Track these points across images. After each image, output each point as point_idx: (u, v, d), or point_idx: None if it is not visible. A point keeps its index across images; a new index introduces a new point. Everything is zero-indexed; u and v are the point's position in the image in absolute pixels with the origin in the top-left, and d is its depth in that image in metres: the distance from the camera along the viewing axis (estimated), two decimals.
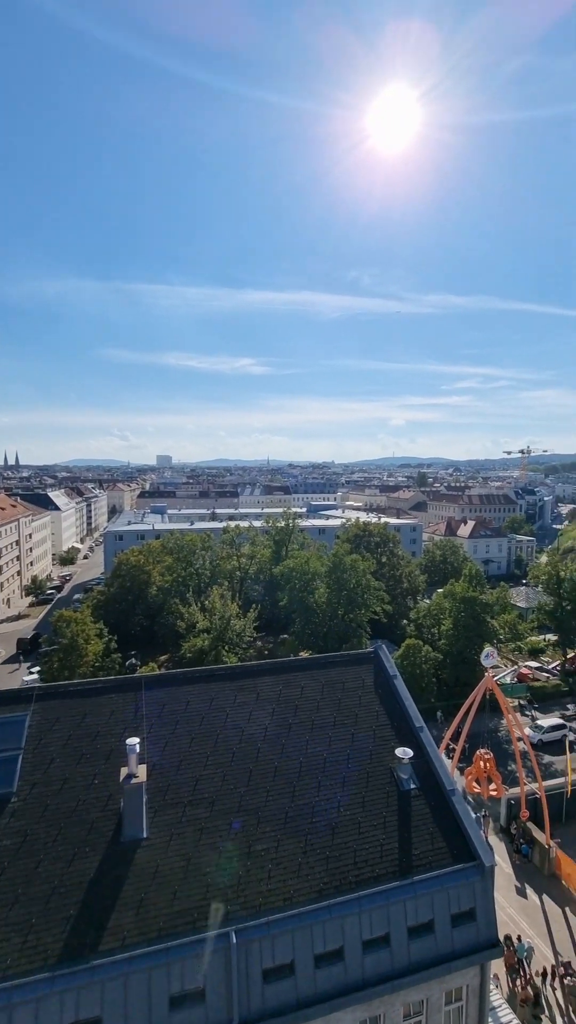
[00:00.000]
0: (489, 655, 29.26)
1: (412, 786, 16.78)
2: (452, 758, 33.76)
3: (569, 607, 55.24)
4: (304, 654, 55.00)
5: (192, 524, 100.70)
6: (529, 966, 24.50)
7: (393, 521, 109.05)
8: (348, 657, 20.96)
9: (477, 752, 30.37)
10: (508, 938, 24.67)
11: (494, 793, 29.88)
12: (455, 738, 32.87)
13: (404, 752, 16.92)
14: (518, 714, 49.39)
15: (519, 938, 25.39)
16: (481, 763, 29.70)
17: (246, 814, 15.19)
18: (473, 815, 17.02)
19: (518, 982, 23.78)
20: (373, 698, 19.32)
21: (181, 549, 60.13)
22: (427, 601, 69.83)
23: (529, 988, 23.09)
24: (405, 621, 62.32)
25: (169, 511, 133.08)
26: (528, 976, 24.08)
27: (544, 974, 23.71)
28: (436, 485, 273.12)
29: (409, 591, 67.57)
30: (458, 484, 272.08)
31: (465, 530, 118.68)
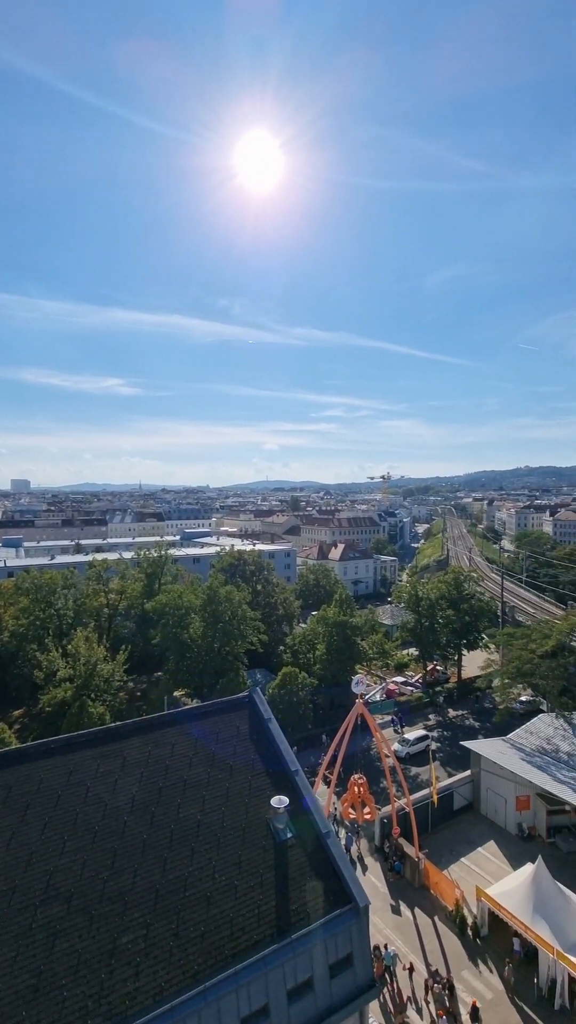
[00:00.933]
0: (359, 682, 30.53)
1: (288, 835, 16.55)
2: (330, 785, 34.39)
3: (427, 623, 60.23)
4: (179, 693, 52.74)
5: (53, 558, 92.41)
6: (396, 974, 25.51)
7: (268, 547, 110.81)
8: (222, 705, 20.33)
9: (351, 778, 31.27)
10: (376, 948, 25.37)
11: (368, 817, 30.89)
12: (333, 763, 33.59)
13: (280, 801, 16.68)
14: (388, 729, 52.39)
15: (385, 946, 26.15)
16: (355, 788, 30.60)
17: (111, 903, 13.72)
18: (345, 852, 17.25)
19: (385, 991, 24.52)
20: (248, 746, 18.89)
21: (39, 589, 54.55)
22: (303, 626, 71.52)
23: (396, 995, 23.98)
24: (281, 648, 63.05)
25: (26, 543, 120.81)
26: (396, 984, 25.07)
27: (425, 987, 24.61)
28: (308, 509, 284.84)
29: (284, 617, 68.64)
30: (329, 507, 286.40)
31: (336, 553, 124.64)
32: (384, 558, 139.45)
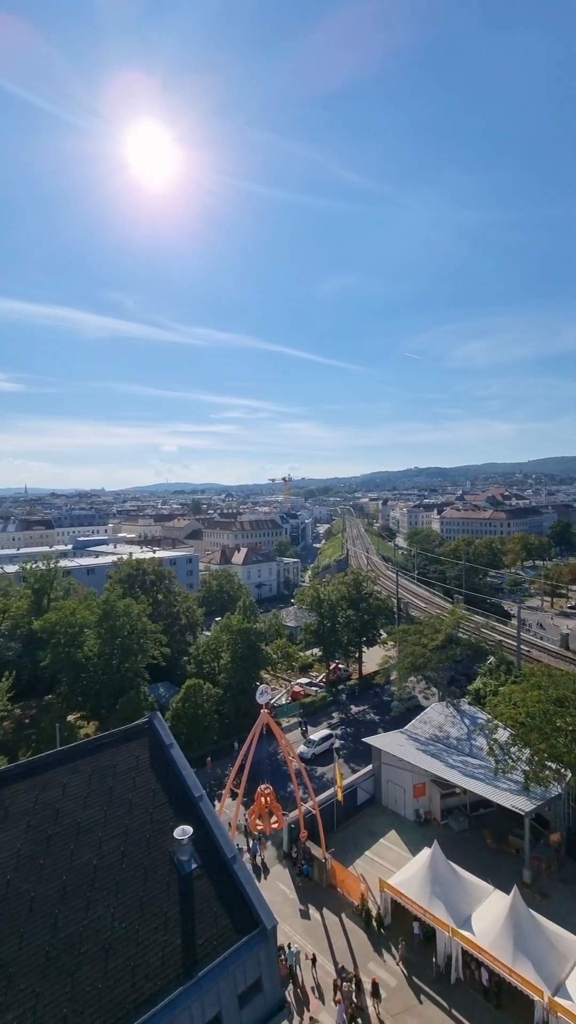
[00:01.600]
0: (263, 692, 30.51)
1: (193, 866, 15.96)
2: (236, 798, 33.98)
3: (329, 624, 62.00)
4: (72, 717, 49.26)
5: None
6: (300, 970, 26.09)
7: (168, 554, 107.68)
8: (118, 735, 19.14)
9: (258, 789, 31.16)
10: (280, 948, 25.65)
11: (275, 826, 30.98)
12: (241, 774, 33.22)
13: (183, 832, 16.02)
14: (296, 731, 53.14)
15: (288, 945, 26.49)
16: (262, 799, 30.53)
17: None
18: (252, 872, 17.04)
19: (288, 989, 24.87)
20: (149, 777, 17.96)
21: None
22: (207, 634, 70.27)
23: (300, 992, 24.51)
24: (185, 658, 61.47)
25: None
26: (301, 981, 25.62)
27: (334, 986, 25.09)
28: (210, 512, 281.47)
29: (188, 627, 67.03)
30: (231, 510, 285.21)
31: (239, 557, 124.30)
32: (287, 560, 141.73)
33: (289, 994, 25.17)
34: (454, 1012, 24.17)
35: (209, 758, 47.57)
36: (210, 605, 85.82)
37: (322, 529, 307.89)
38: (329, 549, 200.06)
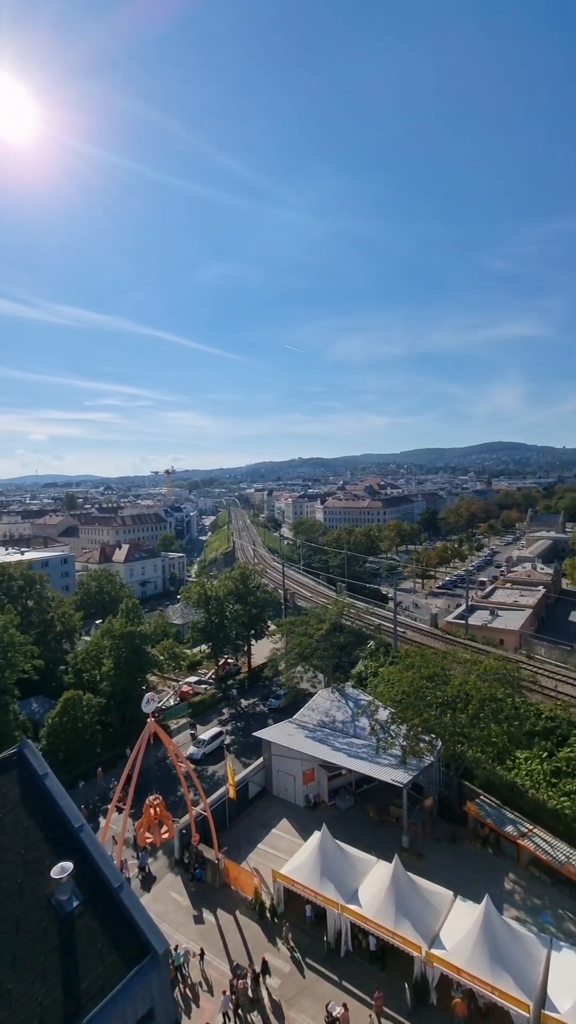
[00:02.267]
0: (149, 700, 29.28)
1: (75, 904, 14.80)
2: (123, 812, 32.41)
3: (217, 620, 61.52)
4: None
5: None
6: (188, 970, 26.24)
7: (40, 554, 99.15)
8: None
9: (147, 801, 29.98)
10: (167, 952, 25.41)
11: (166, 836, 30.11)
12: (128, 786, 31.65)
13: (61, 870, 14.75)
14: (185, 732, 52.04)
15: (175, 948, 26.28)
16: (151, 810, 29.44)
17: None
18: (139, 900, 16.30)
19: (176, 991, 24.90)
20: (20, 814, 16.26)
21: None
22: (87, 639, 65.90)
23: (188, 991, 24.65)
24: (62, 668, 57.17)
25: None
26: (189, 980, 25.86)
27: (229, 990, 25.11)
28: (87, 507, 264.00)
29: (64, 634, 62.26)
30: (110, 504, 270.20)
31: (120, 555, 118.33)
32: (172, 555, 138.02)
33: (177, 994, 25.01)
34: (344, 983, 25.51)
35: (100, 768, 45.12)
36: (89, 608, 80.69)
37: (208, 521, 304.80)
38: (215, 542, 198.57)
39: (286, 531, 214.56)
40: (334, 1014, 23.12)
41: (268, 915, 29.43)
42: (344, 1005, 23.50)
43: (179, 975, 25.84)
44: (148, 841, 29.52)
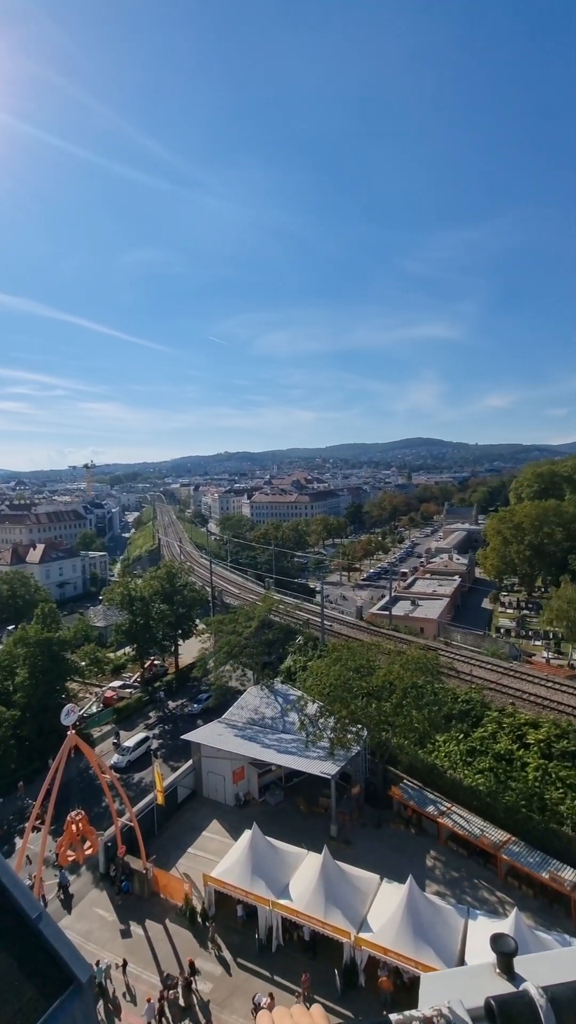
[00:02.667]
0: (69, 712, 27.80)
1: None
2: (42, 831, 30.57)
3: (142, 621, 59.58)
4: None
5: None
6: (111, 983, 25.73)
7: None
8: None
9: (68, 817, 28.48)
10: (91, 978, 24.67)
11: (89, 852, 28.79)
12: (47, 803, 29.89)
13: None
14: (110, 739, 50.04)
15: (97, 963, 25.64)
16: (73, 827, 28.01)
17: None
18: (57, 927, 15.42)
19: (99, 1007, 24.44)
20: None
21: None
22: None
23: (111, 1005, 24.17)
24: None
25: None
26: (112, 994, 25.39)
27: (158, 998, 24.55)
28: None
29: None
30: (23, 501, 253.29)
31: (35, 555, 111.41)
32: (93, 554, 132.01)
33: (100, 1011, 24.31)
34: (276, 978, 25.79)
35: (21, 782, 42.48)
36: (0, 614, 75.40)
37: (131, 518, 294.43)
38: (140, 539, 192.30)
39: (213, 527, 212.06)
40: (261, 1005, 23.34)
41: (199, 919, 29.10)
42: (270, 995, 23.80)
43: (100, 990, 25.09)
44: (71, 859, 28.08)
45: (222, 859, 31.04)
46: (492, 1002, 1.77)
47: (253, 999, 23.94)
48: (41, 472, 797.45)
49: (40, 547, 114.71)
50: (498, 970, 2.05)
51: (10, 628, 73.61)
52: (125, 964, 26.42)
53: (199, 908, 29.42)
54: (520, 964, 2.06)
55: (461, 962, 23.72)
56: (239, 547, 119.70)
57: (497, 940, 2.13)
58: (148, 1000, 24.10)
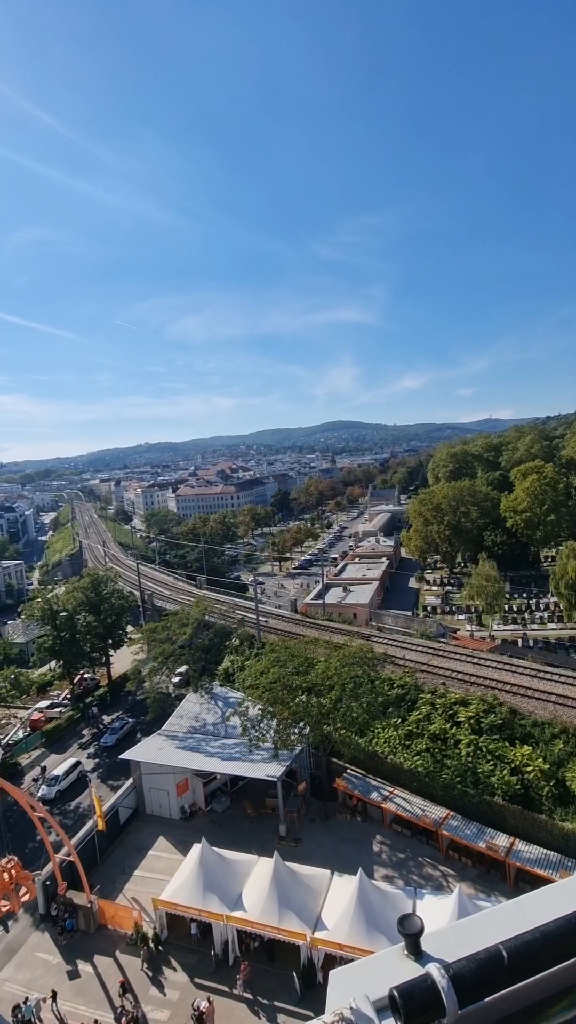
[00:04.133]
0: None
1: None
2: None
3: (68, 635, 56.29)
4: None
5: None
6: (40, 1019, 24.74)
7: None
8: None
9: None
10: (15, 1008, 24.57)
11: (26, 898, 26.89)
12: None
13: None
14: (38, 767, 47.05)
15: (25, 1000, 24.90)
16: (5, 875, 25.97)
17: None
18: None
19: None
20: None
21: None
22: None
23: None
24: None
25: None
26: None
27: None
28: None
29: None
30: None
31: None
32: (7, 563, 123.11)
33: None
34: (234, 991, 25.61)
35: None
36: None
37: (47, 519, 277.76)
38: (58, 542, 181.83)
39: (138, 523, 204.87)
40: (201, 1009, 23.31)
41: (152, 945, 28.21)
42: (208, 998, 23.86)
43: None
44: (6, 910, 26.08)
45: (171, 878, 30.20)
46: (395, 992, 1.77)
47: (192, 1004, 23.78)
48: None
49: None
50: (406, 952, 2.07)
51: None
52: (55, 995, 25.39)
53: (150, 933, 28.51)
54: (429, 941, 2.07)
55: None
56: (167, 545, 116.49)
57: (403, 921, 2.12)
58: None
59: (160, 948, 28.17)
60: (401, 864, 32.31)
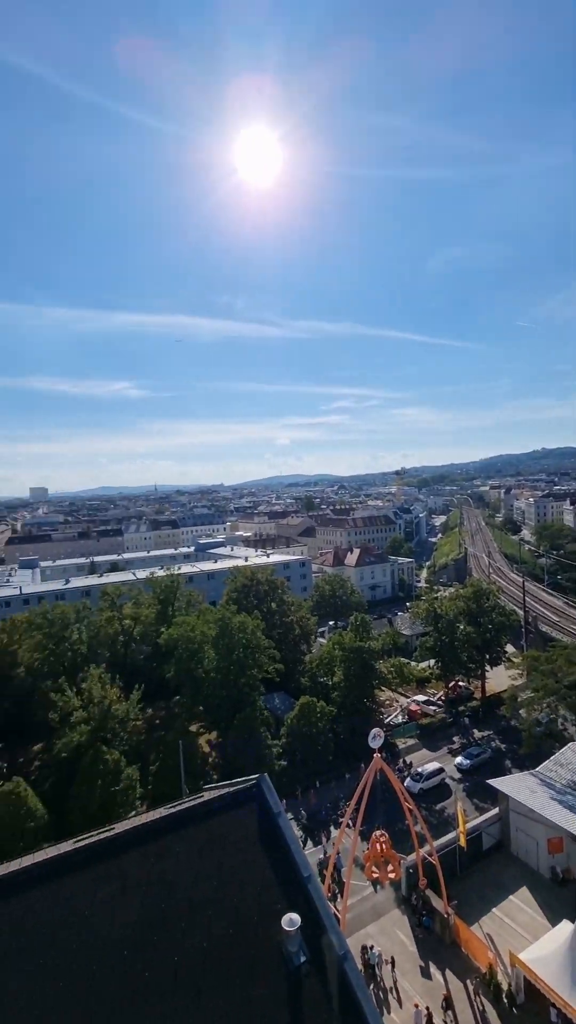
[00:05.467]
0: (375, 736, 29.15)
1: (302, 959, 15.28)
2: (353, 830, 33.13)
3: (447, 640, 58.44)
4: (194, 727, 51.97)
5: (67, 583, 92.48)
6: (380, 972, 28.09)
7: (282, 558, 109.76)
8: (228, 799, 19.06)
9: (373, 835, 30.00)
10: (364, 948, 29.29)
11: (392, 876, 29.64)
12: (356, 814, 32.30)
13: (291, 922, 15.36)
14: (415, 753, 50.89)
15: (371, 947, 28.99)
16: (377, 846, 29.34)
17: None
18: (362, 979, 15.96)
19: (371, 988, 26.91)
20: (257, 851, 17.61)
21: (51, 624, 54.09)
22: (321, 641, 70.26)
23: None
24: (301, 667, 61.79)
25: (42, 564, 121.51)
26: (380, 979, 27.81)
27: None
28: (323, 508, 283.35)
29: (302, 636, 67.39)
30: (343, 506, 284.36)
31: (352, 559, 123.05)
32: (401, 560, 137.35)
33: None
34: None
35: (312, 789, 45.86)
36: (323, 610, 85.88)
37: (438, 522, 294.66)
38: (446, 546, 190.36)
39: (527, 535, 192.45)
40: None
41: (505, 1001, 26.42)
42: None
43: (371, 973, 27.97)
44: (374, 877, 29.50)
45: (534, 942, 27.47)
46: None
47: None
48: (358, 476, 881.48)
49: (356, 551, 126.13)
50: None
51: (330, 623, 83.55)
52: (393, 962, 28.29)
53: (505, 987, 26.72)
54: None
55: None
56: (559, 564, 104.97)
57: None
58: (415, 1007, 25.41)
59: (515, 1010, 26.08)
60: None
